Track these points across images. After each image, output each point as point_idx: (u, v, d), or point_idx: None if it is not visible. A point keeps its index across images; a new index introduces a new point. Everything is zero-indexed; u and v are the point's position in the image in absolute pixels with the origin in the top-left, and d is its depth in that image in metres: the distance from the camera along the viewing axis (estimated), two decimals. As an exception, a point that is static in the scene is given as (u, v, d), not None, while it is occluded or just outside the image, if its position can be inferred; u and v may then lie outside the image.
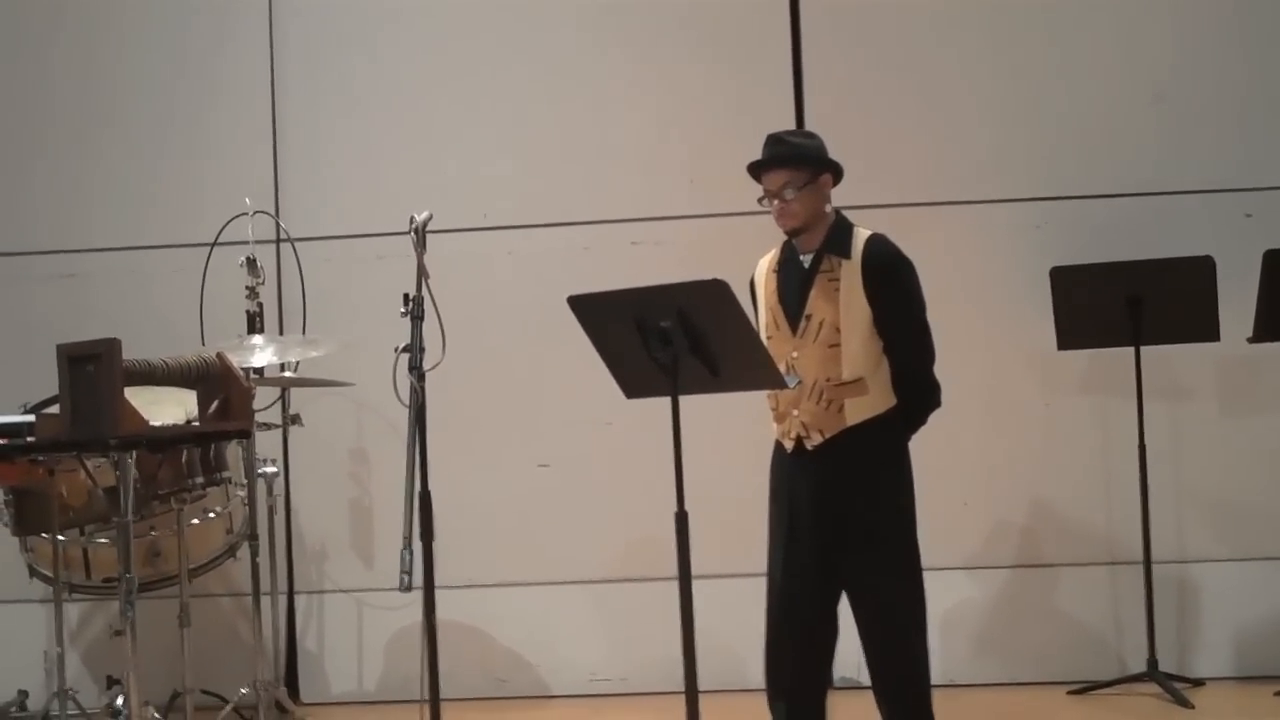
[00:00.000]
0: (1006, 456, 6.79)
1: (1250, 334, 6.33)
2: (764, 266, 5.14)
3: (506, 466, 6.95)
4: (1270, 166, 6.77)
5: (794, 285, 4.99)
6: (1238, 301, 6.32)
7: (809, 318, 4.93)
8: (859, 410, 4.90)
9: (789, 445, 5.00)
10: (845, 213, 5.05)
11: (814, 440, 4.93)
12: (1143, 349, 6.44)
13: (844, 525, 4.92)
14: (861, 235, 4.99)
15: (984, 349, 6.73)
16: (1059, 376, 6.78)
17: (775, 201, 4.97)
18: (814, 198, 4.97)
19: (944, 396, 5.06)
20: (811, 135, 5.12)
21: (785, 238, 5.06)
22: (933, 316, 5.05)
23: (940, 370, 5.05)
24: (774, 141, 5.05)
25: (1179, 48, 6.85)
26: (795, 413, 4.95)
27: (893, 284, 4.93)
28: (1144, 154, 6.83)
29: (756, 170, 5.02)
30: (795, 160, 4.98)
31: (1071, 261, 6.49)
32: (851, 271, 4.91)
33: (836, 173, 5.05)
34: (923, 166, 6.87)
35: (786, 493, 5.03)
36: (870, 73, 6.91)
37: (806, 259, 4.99)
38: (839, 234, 4.99)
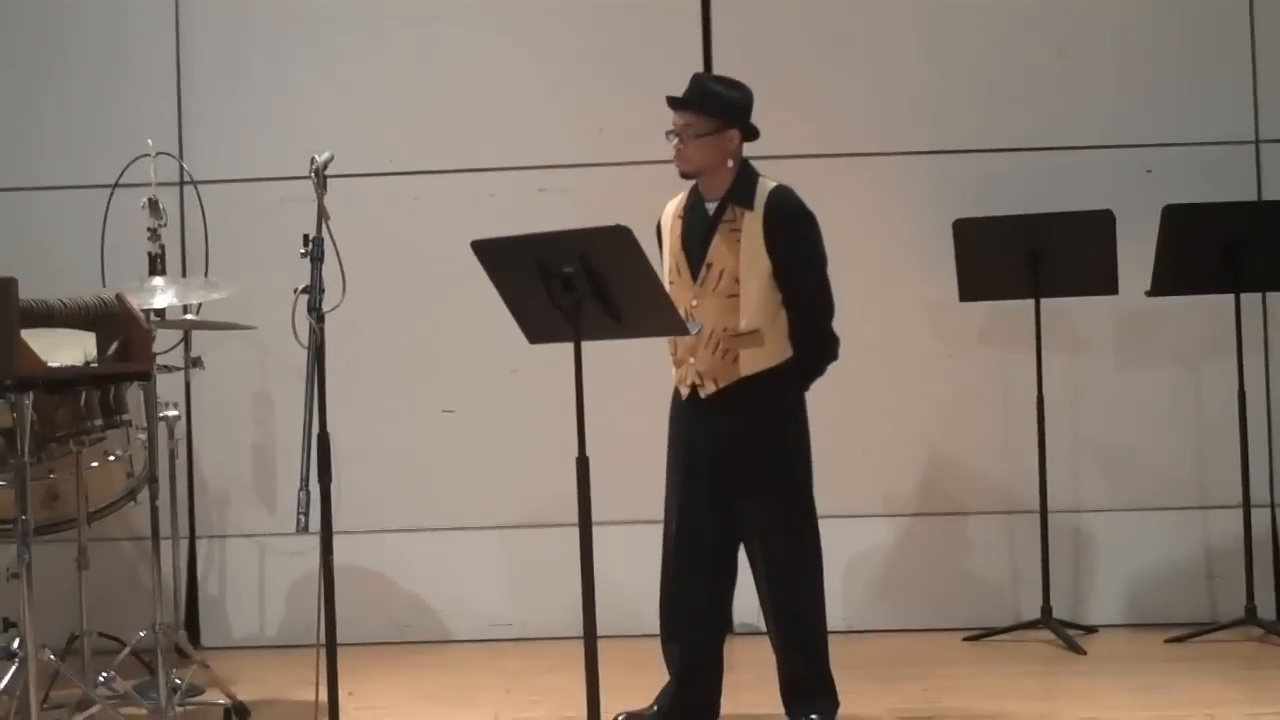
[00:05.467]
0: (907, 407, 6.86)
1: (1148, 288, 6.43)
2: (670, 211, 5.15)
3: (411, 412, 6.94)
4: (1170, 123, 6.87)
5: (697, 232, 5.01)
6: (1137, 256, 6.41)
7: (709, 266, 4.96)
8: (753, 361, 4.93)
9: (685, 392, 5.04)
10: (752, 163, 5.07)
11: (708, 389, 4.97)
12: (1043, 301, 6.52)
13: (738, 473, 4.97)
14: (766, 186, 5.01)
15: (887, 300, 6.79)
16: (960, 328, 6.86)
17: (675, 139, 4.99)
18: (713, 149, 4.96)
19: (846, 346, 5.10)
20: (738, 86, 5.08)
21: (693, 183, 5.08)
22: (835, 268, 5.09)
23: (842, 321, 5.10)
24: (694, 82, 5.05)
25: (1082, 3, 6.91)
26: (692, 360, 4.99)
27: (793, 236, 4.95)
28: (1047, 109, 6.90)
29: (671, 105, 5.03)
30: (703, 106, 4.98)
31: (973, 214, 6.55)
32: (753, 222, 4.93)
33: (747, 131, 5.05)
34: (827, 119, 6.89)
35: (683, 440, 5.08)
36: (776, 26, 6.92)
37: (711, 206, 5.01)
38: (743, 184, 5.00)
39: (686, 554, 5.08)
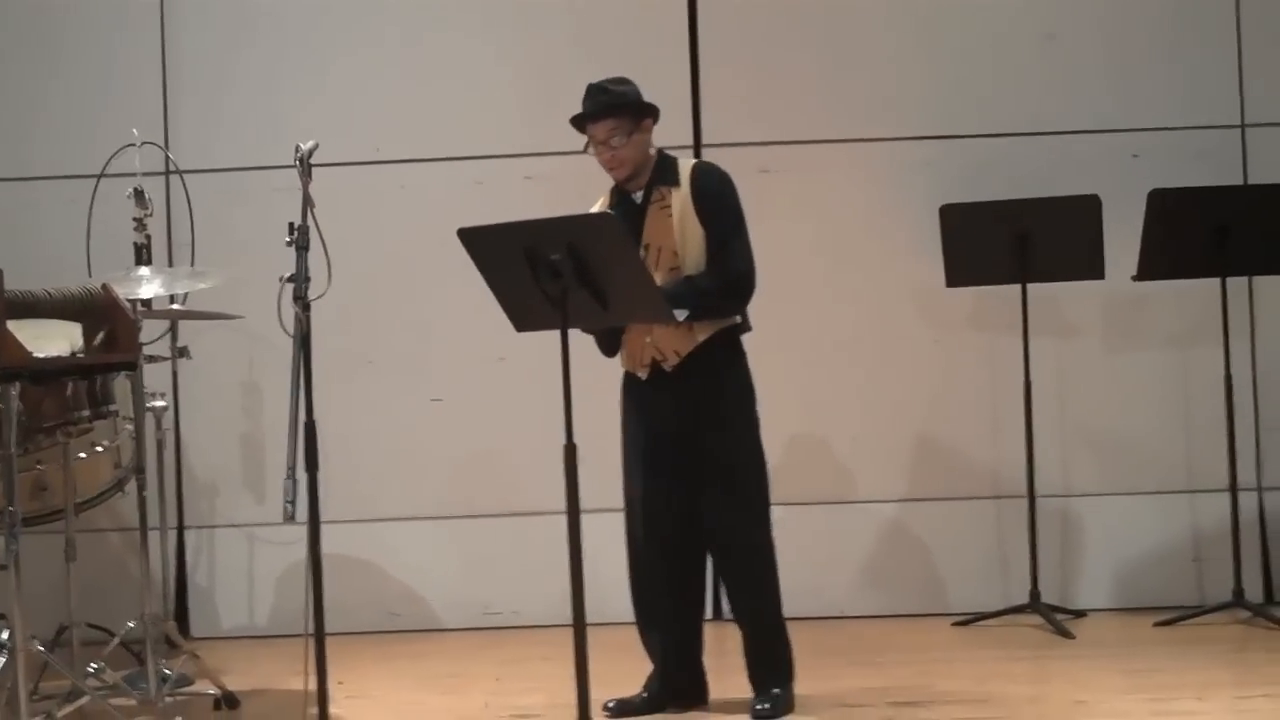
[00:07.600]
0: (895, 392, 6.85)
1: (1135, 272, 6.43)
2: (595, 210, 5.19)
3: (399, 400, 6.93)
4: (1157, 107, 6.88)
5: (630, 222, 5.05)
6: (1124, 241, 6.41)
7: (648, 248, 5.04)
8: (708, 324, 4.98)
9: (644, 374, 5.06)
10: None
11: (671, 362, 5.02)
12: (1029, 286, 6.52)
13: (701, 443, 5.02)
14: (688, 164, 5.18)
15: (874, 285, 6.78)
16: (947, 313, 6.85)
17: (605, 150, 5.02)
18: (640, 142, 5.09)
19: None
20: (627, 81, 5.19)
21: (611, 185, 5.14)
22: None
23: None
24: (596, 91, 5.14)
25: (1069, -12, 6.93)
26: (648, 339, 5.02)
27: (717, 197, 5.06)
28: (1033, 94, 6.91)
29: (581, 122, 5.09)
30: (619, 108, 5.07)
31: (960, 199, 6.55)
32: (682, 196, 5.06)
33: (655, 115, 5.15)
34: (815, 104, 6.88)
35: (645, 419, 5.12)
36: (762, 13, 6.91)
37: (638, 196, 5.12)
38: (665, 167, 5.14)
39: (656, 539, 5.14)
